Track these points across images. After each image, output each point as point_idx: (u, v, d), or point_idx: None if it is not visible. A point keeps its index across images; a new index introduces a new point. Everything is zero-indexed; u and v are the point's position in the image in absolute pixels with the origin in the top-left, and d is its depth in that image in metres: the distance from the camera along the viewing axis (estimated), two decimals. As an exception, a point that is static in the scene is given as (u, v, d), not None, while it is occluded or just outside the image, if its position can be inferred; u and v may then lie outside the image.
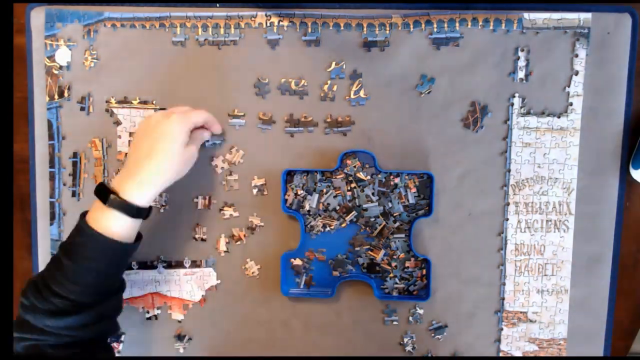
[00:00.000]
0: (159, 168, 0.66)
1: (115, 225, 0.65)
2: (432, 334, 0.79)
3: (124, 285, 0.72)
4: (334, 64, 0.77)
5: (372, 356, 0.80)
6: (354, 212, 0.77)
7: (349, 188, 0.77)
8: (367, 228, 0.78)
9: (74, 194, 0.80)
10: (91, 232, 0.64)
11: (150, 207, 0.70)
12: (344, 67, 0.77)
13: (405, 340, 0.79)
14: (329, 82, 0.77)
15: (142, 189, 0.66)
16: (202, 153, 0.78)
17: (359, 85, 0.77)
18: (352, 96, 0.77)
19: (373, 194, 0.77)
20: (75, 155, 0.79)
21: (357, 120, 0.77)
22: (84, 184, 0.80)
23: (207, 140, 0.77)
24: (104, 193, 0.65)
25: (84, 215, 0.67)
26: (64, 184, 0.80)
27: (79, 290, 0.63)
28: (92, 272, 0.64)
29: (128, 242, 0.67)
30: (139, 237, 0.70)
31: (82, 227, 0.65)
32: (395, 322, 0.79)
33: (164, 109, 0.77)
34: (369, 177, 0.77)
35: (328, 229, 0.78)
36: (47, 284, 0.64)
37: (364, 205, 0.77)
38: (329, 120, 0.77)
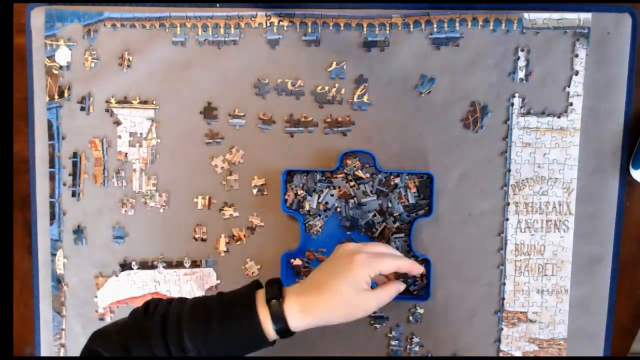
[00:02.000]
0: (326, 303, 0.59)
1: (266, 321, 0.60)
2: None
3: None
4: (334, 64, 0.77)
5: (372, 356, 0.80)
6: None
7: (350, 185, 0.77)
8: (368, 232, 0.78)
9: (74, 194, 0.80)
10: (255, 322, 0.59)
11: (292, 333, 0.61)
12: (344, 67, 0.77)
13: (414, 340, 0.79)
14: (329, 82, 0.77)
15: (302, 315, 0.59)
16: (202, 153, 0.79)
17: (364, 90, 0.77)
18: (356, 100, 0.77)
19: (372, 191, 0.77)
20: (75, 155, 0.79)
21: (357, 120, 0.77)
22: (84, 184, 0.80)
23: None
24: (275, 291, 0.61)
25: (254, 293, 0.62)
26: (64, 184, 0.80)
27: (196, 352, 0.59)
28: (224, 347, 0.59)
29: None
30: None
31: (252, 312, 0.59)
32: (378, 327, 0.79)
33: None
34: (368, 175, 0.77)
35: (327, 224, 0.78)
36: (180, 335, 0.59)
37: (362, 200, 0.77)
38: (329, 120, 0.77)
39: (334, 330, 0.79)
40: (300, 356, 0.80)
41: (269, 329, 0.59)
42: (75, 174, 0.80)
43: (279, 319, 0.59)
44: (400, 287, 0.65)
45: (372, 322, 0.79)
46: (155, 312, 0.61)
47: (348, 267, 0.60)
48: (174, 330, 0.59)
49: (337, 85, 0.77)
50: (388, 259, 0.62)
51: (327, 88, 0.77)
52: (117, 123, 0.79)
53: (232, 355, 0.60)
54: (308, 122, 0.78)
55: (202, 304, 0.62)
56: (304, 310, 0.59)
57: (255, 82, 0.78)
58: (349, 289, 0.60)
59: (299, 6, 0.76)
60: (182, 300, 0.63)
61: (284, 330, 0.59)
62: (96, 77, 0.78)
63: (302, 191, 0.78)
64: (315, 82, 0.77)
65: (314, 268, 0.65)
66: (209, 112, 0.78)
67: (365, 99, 0.77)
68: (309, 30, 0.76)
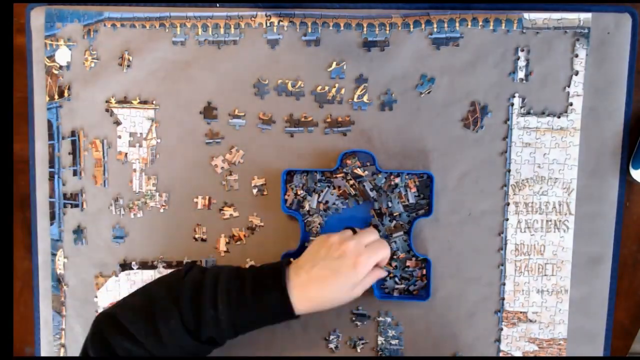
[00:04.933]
0: (326, 297, 0.66)
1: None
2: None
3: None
4: (334, 64, 0.77)
5: (372, 356, 0.80)
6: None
7: (350, 185, 0.77)
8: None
9: (74, 195, 0.80)
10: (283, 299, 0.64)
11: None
12: (344, 67, 0.77)
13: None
14: (329, 82, 0.77)
15: (305, 304, 0.65)
16: (202, 153, 0.79)
17: (364, 90, 0.77)
18: (356, 100, 0.77)
19: (372, 189, 0.77)
20: (73, 134, 0.79)
21: (357, 120, 0.77)
22: (84, 186, 0.80)
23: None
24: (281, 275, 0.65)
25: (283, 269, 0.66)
26: (64, 184, 0.80)
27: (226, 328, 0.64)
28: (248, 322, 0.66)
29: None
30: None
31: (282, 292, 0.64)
32: (362, 345, 0.79)
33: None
34: (367, 172, 0.77)
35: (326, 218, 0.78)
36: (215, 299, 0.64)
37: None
38: (329, 120, 0.77)
39: (334, 330, 0.79)
40: (299, 356, 0.80)
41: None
42: (75, 152, 0.79)
43: (284, 307, 0.65)
44: (382, 273, 0.71)
45: (354, 319, 0.79)
46: (187, 279, 0.67)
47: (353, 270, 0.66)
48: (209, 296, 0.64)
49: (337, 85, 0.77)
50: (382, 251, 0.69)
51: (327, 88, 0.77)
52: (117, 123, 0.79)
53: (259, 323, 0.67)
54: (308, 122, 0.78)
55: (236, 274, 0.67)
56: (307, 300, 0.65)
57: (255, 82, 0.78)
58: (348, 287, 0.66)
59: (299, 6, 0.76)
60: (215, 269, 0.68)
61: (287, 315, 0.66)
62: (96, 77, 0.78)
63: (302, 191, 0.78)
64: (315, 82, 0.77)
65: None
66: (209, 112, 0.78)
67: (365, 99, 0.77)
68: (309, 30, 0.76)
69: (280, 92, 0.77)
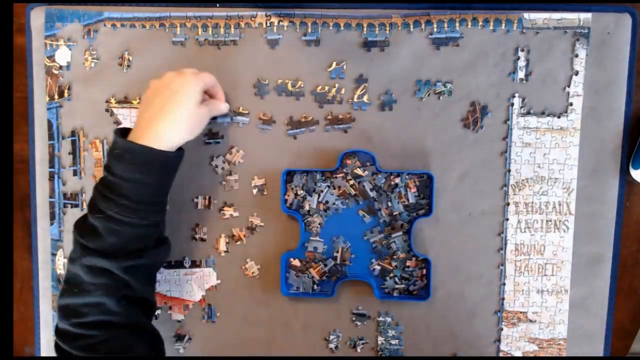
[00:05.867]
0: (173, 125, 0.65)
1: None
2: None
3: (167, 242, 0.72)
4: (334, 64, 0.77)
5: (372, 356, 0.80)
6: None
7: (350, 185, 0.77)
8: (370, 231, 0.78)
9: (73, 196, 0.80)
10: (129, 145, 0.63)
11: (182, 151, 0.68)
12: (344, 67, 0.77)
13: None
14: (329, 82, 0.77)
15: (157, 143, 0.64)
16: (202, 153, 0.79)
17: (364, 90, 0.77)
18: (356, 100, 0.77)
19: (372, 189, 0.77)
20: (73, 134, 0.79)
21: (357, 120, 0.77)
22: (84, 186, 0.80)
23: (224, 116, 0.77)
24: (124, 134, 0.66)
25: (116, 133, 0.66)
26: (64, 184, 0.80)
27: (129, 206, 0.63)
28: (139, 185, 0.63)
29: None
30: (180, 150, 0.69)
31: (117, 141, 0.64)
32: (362, 345, 0.79)
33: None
34: (367, 172, 0.77)
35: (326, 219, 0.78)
36: (95, 205, 0.63)
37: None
38: (329, 117, 0.77)
39: (334, 330, 0.79)
40: (300, 356, 0.80)
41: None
42: (75, 152, 0.80)
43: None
44: (222, 105, 0.74)
45: (354, 319, 0.79)
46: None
47: (182, 87, 0.66)
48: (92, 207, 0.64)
49: (337, 85, 0.77)
50: (206, 73, 0.70)
51: (327, 88, 0.77)
52: (117, 123, 0.79)
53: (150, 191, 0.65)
54: (308, 121, 0.78)
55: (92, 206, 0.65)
56: (156, 140, 0.64)
57: (255, 82, 0.78)
58: (190, 104, 0.66)
59: (299, 6, 0.76)
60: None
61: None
62: (96, 77, 0.78)
63: (302, 191, 0.78)
64: (315, 82, 0.77)
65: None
66: (209, 112, 0.78)
67: (365, 99, 0.77)
68: (309, 30, 0.76)
69: (280, 92, 0.77)
